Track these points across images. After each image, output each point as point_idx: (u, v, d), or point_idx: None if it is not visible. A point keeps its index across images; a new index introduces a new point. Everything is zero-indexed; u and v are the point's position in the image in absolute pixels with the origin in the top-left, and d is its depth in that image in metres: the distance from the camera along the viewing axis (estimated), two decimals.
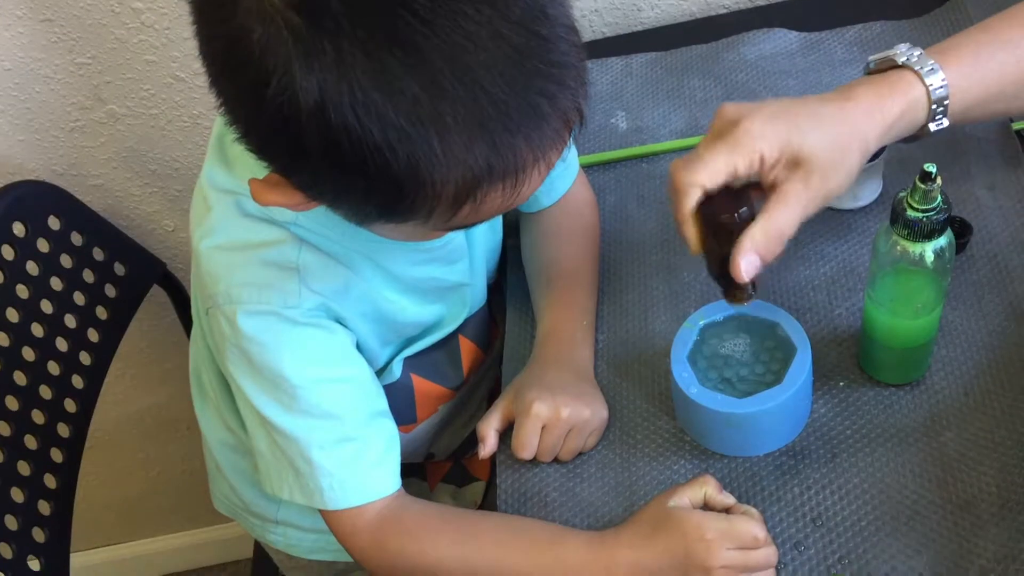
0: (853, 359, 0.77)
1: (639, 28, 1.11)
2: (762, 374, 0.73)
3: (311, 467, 0.71)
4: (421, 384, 0.84)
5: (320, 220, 0.70)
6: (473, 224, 0.61)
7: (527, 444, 0.74)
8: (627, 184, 0.95)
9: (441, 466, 0.98)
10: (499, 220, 0.87)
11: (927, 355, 0.74)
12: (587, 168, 0.95)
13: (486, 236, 0.85)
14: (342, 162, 0.52)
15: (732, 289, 0.66)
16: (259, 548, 1.13)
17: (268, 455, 0.74)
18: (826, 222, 0.85)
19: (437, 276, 0.80)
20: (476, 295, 0.86)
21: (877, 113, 0.69)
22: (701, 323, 0.75)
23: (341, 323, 0.73)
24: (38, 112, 1.09)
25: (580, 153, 0.94)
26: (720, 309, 0.75)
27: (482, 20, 0.51)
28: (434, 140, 0.52)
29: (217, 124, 0.73)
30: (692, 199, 0.65)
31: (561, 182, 0.87)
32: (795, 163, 0.65)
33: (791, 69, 1.00)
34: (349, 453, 0.72)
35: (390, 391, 0.80)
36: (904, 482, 0.70)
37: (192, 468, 1.50)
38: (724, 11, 1.11)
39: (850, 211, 0.86)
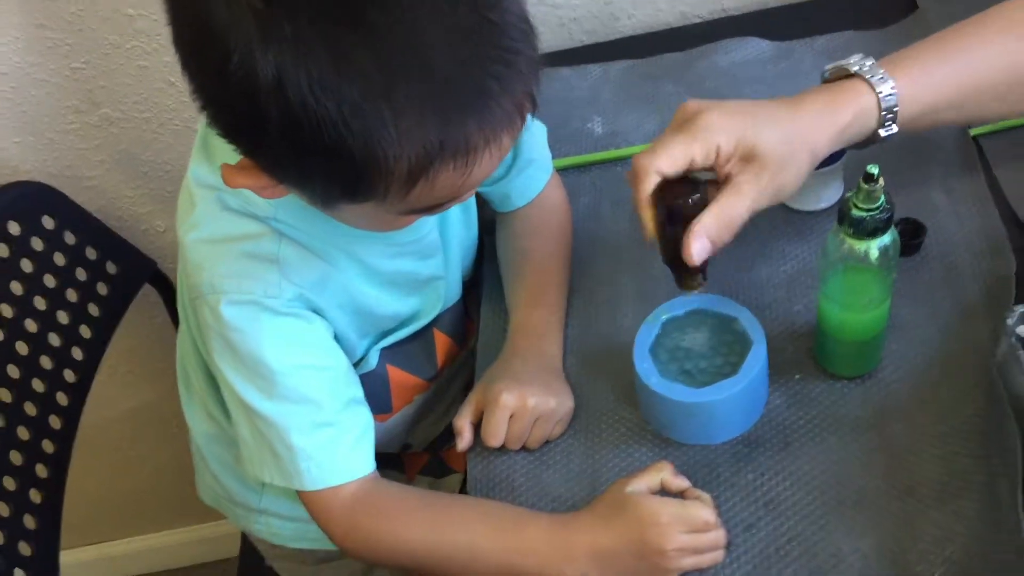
0: (809, 353, 0.80)
1: (617, 36, 1.15)
2: (720, 366, 0.77)
3: (290, 450, 0.75)
4: (396, 374, 0.88)
5: (299, 215, 0.74)
6: (429, 207, 0.64)
7: (495, 433, 0.77)
8: (601, 186, 0.98)
9: (419, 458, 1.01)
10: (474, 217, 0.91)
11: (877, 348, 0.77)
12: (563, 170, 0.98)
13: (461, 233, 0.89)
14: (300, 139, 0.56)
15: (684, 276, 0.70)
16: (246, 543, 1.17)
17: (250, 440, 0.77)
18: (789, 223, 0.89)
19: (411, 270, 0.83)
20: (450, 290, 0.89)
21: (828, 118, 0.73)
22: (663, 317, 0.78)
23: (319, 314, 0.77)
24: (34, 115, 1.13)
25: (556, 156, 0.98)
26: (681, 304, 0.78)
27: (436, 4, 0.55)
28: (387, 116, 0.55)
29: (201, 124, 0.76)
30: (650, 184, 0.69)
31: (535, 183, 0.90)
32: (749, 157, 0.69)
33: (762, 76, 1.04)
34: (326, 437, 0.75)
35: (366, 380, 0.83)
36: (852, 469, 0.73)
37: (181, 466, 1.52)
38: (699, 20, 1.15)
39: (812, 213, 0.89)
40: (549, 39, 1.13)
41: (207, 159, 0.74)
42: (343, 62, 0.54)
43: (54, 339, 1.06)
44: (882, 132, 0.75)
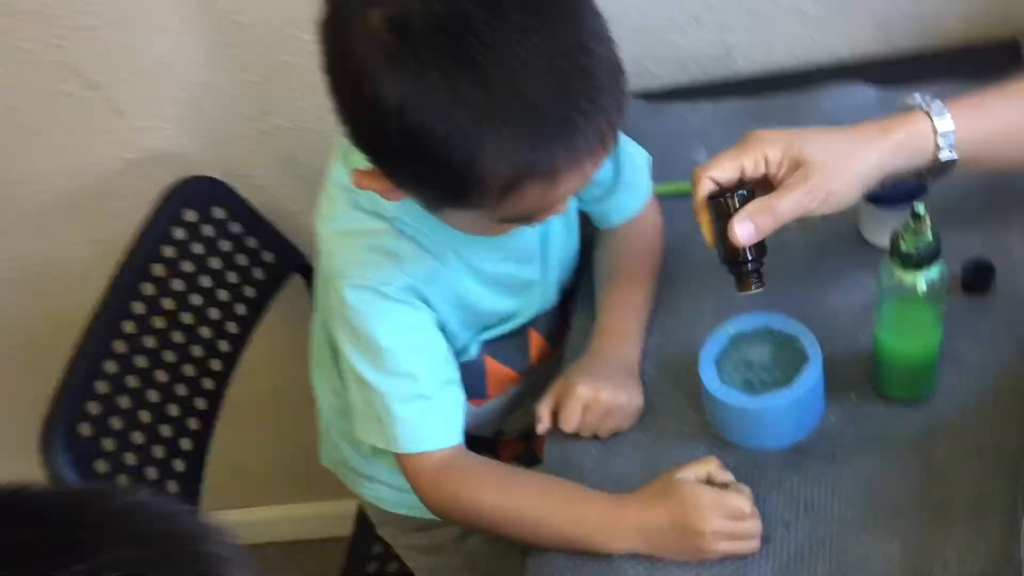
0: (867, 376, 0.86)
1: (731, 77, 1.23)
2: (779, 380, 0.84)
3: (391, 417, 0.87)
4: (493, 365, 0.99)
5: (417, 218, 0.86)
6: (520, 217, 0.76)
7: (569, 420, 0.87)
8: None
9: (512, 446, 1.12)
10: (576, 232, 1.01)
11: (930, 376, 0.83)
12: (664, 196, 1.07)
13: (561, 245, 0.99)
14: (414, 153, 0.69)
15: (741, 275, 0.78)
16: (359, 518, 1.30)
17: (360, 407, 0.90)
18: (865, 256, 0.95)
19: (511, 273, 0.94)
20: (547, 294, 1.00)
21: (879, 135, 0.80)
22: (731, 331, 0.87)
23: (427, 303, 0.89)
24: (215, 120, 1.31)
25: (660, 181, 1.07)
26: (749, 321, 0.86)
27: (534, 49, 0.67)
28: (487, 140, 0.67)
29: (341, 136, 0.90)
30: (703, 188, 0.78)
31: (631, 205, 1.00)
32: (796, 164, 0.77)
33: (863, 121, 1.10)
34: (421, 408, 0.87)
35: (466, 367, 0.95)
36: (890, 484, 0.79)
37: (311, 443, 1.66)
38: (811, 65, 1.22)
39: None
40: (668, 75, 1.22)
41: (345, 164, 0.88)
42: (455, 94, 0.66)
43: (214, 313, 1.23)
44: (941, 156, 0.80)
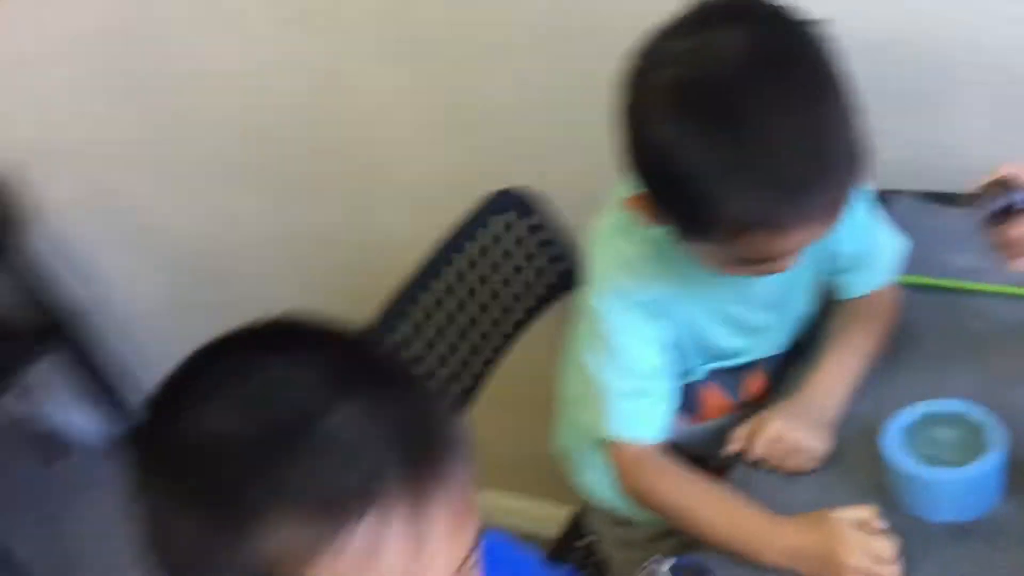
0: None
1: None
2: (959, 462, 0.91)
3: (608, 407, 1.03)
4: (713, 391, 1.12)
5: (670, 248, 1.02)
6: (748, 261, 0.89)
7: (757, 447, 0.99)
8: (934, 308, 1.13)
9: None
10: (814, 295, 1.12)
11: None
12: (908, 286, 1.15)
13: (801, 302, 1.11)
14: (669, 186, 0.87)
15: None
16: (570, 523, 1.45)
17: (587, 397, 1.07)
18: None
19: (745, 315, 1.07)
20: (778, 342, 1.12)
21: None
22: (925, 410, 0.94)
23: (662, 321, 1.04)
24: (536, 142, 1.53)
25: (911, 273, 1.14)
26: (945, 405, 0.94)
27: (789, 121, 0.83)
28: (728, 187, 0.83)
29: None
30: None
31: (871, 282, 1.10)
32: None
33: None
34: (635, 403, 1.02)
35: (688, 388, 1.10)
36: None
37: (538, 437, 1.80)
38: None
39: None
40: (938, 181, 1.28)
41: (624, 188, 1.06)
42: (708, 144, 0.83)
43: (495, 311, 1.43)
44: None
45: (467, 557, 0.61)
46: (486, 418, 1.81)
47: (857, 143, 0.86)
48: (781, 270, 0.94)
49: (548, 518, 1.61)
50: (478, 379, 1.39)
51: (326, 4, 1.58)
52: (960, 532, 0.90)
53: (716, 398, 1.13)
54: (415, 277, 1.33)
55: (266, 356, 0.59)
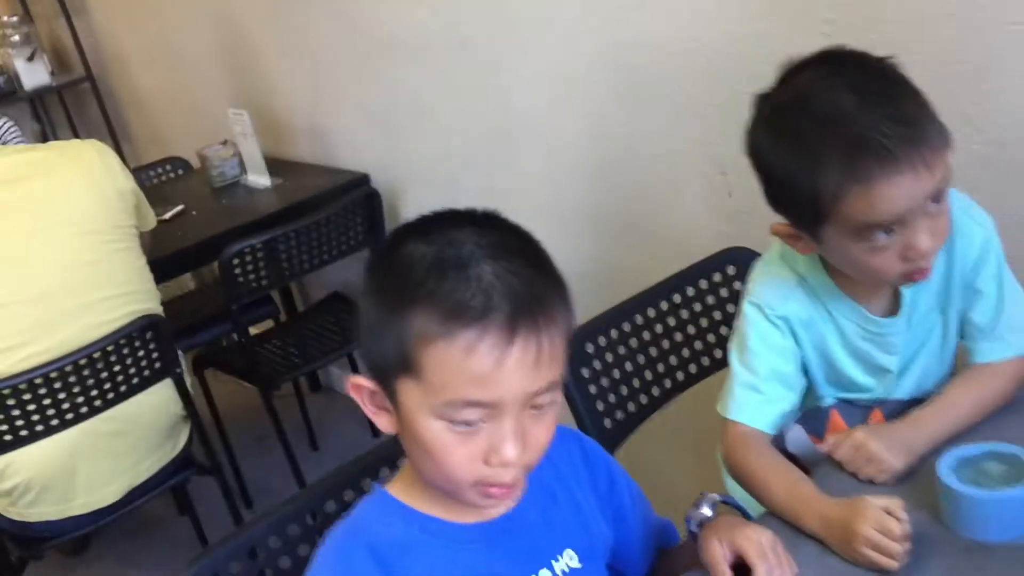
0: None
1: None
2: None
3: (731, 391, 1.27)
4: (836, 418, 1.32)
5: (817, 275, 1.25)
6: (864, 227, 1.10)
7: (839, 448, 1.18)
8: None
9: None
10: (949, 355, 1.29)
11: None
12: None
13: (931, 358, 1.29)
14: (779, 193, 1.15)
15: None
16: None
17: (726, 382, 1.31)
18: None
19: (871, 353, 1.27)
20: (900, 389, 1.29)
21: None
22: (980, 448, 1.10)
23: (795, 339, 1.26)
24: None
25: None
26: (997, 446, 1.09)
27: (875, 105, 1.06)
28: (810, 158, 1.09)
29: None
30: None
31: (996, 354, 1.24)
32: None
33: None
34: (749, 396, 1.26)
35: (819, 411, 1.31)
36: None
37: None
38: None
39: None
40: None
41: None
42: (782, 129, 1.12)
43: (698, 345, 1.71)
44: None
45: (539, 391, 0.93)
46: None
47: (940, 123, 1.07)
48: (919, 272, 1.13)
49: None
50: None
51: None
52: (996, 551, 1.04)
53: (840, 425, 1.32)
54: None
55: (447, 225, 0.96)
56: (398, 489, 1.06)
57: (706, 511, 1.11)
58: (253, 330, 2.85)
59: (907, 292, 1.24)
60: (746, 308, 1.29)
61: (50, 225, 2.01)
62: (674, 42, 1.83)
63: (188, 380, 2.29)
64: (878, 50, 1.14)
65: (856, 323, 1.26)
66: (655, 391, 1.65)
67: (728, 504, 1.13)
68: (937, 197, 1.10)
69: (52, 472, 2.05)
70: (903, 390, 1.30)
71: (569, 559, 1.08)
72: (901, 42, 1.31)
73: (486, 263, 0.92)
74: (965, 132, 1.44)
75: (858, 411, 1.32)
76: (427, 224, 0.98)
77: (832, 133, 1.07)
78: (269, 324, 3.14)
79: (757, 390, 1.26)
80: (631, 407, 1.62)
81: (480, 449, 0.94)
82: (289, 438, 2.79)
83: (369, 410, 1.01)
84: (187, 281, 3.59)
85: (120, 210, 2.11)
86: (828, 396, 1.33)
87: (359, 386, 1.00)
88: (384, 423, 1.00)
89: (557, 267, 0.98)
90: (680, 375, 1.67)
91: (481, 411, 0.92)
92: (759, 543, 1.03)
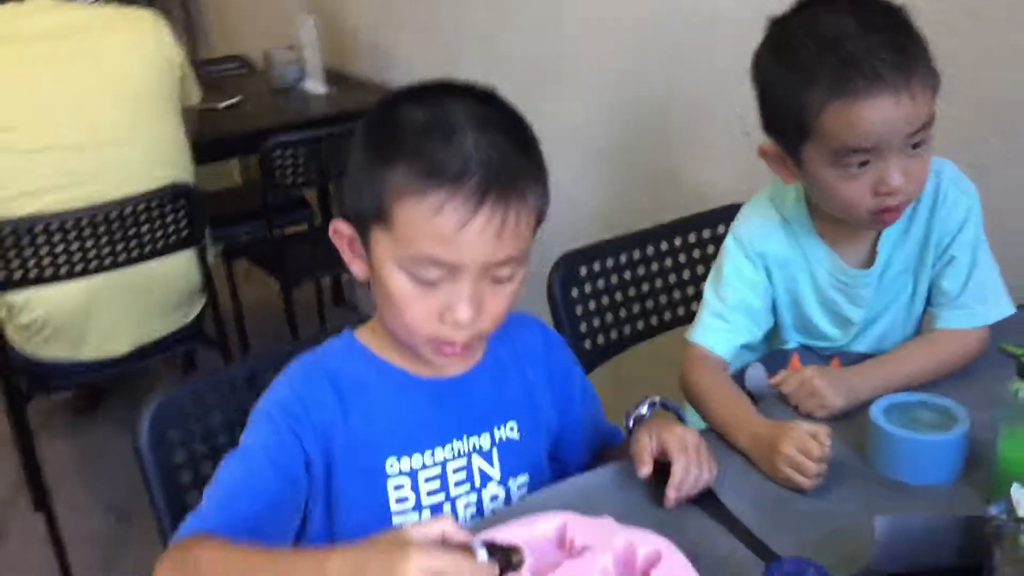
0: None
1: None
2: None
3: (699, 316, 1.33)
4: (796, 360, 1.35)
5: (799, 216, 1.29)
6: (843, 148, 1.14)
7: (787, 381, 1.24)
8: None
9: None
10: (913, 320, 1.33)
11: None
12: (1005, 352, 1.30)
13: (894, 318, 1.33)
14: (768, 107, 1.20)
15: None
16: None
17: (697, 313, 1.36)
18: None
19: (838, 303, 1.31)
20: (864, 343, 1.34)
21: None
22: (914, 397, 1.15)
23: (768, 275, 1.31)
24: None
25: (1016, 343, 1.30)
26: (931, 398, 1.15)
27: (867, 31, 1.11)
28: (800, 71, 1.14)
29: None
30: None
31: (958, 323, 1.28)
32: None
33: None
34: (716, 323, 1.31)
35: (781, 352, 1.36)
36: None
37: None
38: None
39: None
40: None
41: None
42: (777, 45, 1.18)
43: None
44: None
45: (500, 261, 1.00)
46: None
47: (923, 45, 1.12)
48: (887, 211, 1.17)
49: None
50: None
51: None
52: (913, 492, 1.08)
53: (797, 368, 1.36)
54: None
55: (444, 93, 1.04)
56: (364, 334, 1.13)
57: (643, 410, 1.17)
58: (287, 231, 2.95)
59: (883, 248, 1.28)
60: (728, 241, 1.33)
61: (98, 81, 2.11)
62: (731, 11, 1.87)
63: (211, 258, 2.38)
64: None
65: (829, 271, 1.30)
66: (639, 326, 1.70)
67: (667, 408, 1.19)
68: (916, 141, 1.14)
69: (68, 314, 2.16)
70: (864, 344, 1.34)
71: (510, 429, 1.14)
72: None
73: (471, 132, 0.98)
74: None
75: (818, 358, 1.36)
76: (425, 90, 1.04)
77: (829, 51, 1.12)
78: (304, 228, 3.23)
79: (723, 318, 1.31)
80: (612, 336, 1.67)
81: (437, 306, 1.00)
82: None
83: (347, 255, 1.08)
84: (235, 176, 3.70)
85: (168, 79, 2.21)
86: (792, 341, 1.37)
87: (340, 232, 1.07)
88: (357, 269, 1.07)
89: (541, 154, 1.04)
90: (667, 316, 1.73)
91: (442, 271, 0.98)
92: (683, 439, 1.08)
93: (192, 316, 2.36)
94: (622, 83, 2.18)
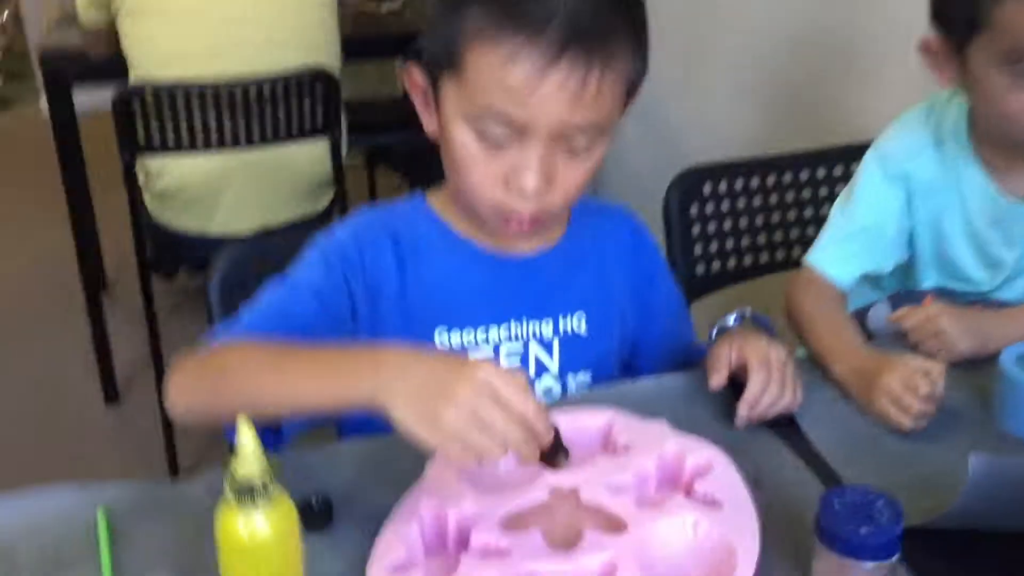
0: None
1: None
2: None
3: (821, 238, 1.19)
4: (929, 303, 1.17)
5: (958, 137, 1.11)
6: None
7: (913, 316, 1.08)
8: None
9: None
10: None
11: None
12: None
13: None
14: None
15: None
16: None
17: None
18: None
19: (992, 244, 1.13)
20: (1012, 288, 1.15)
21: None
22: None
23: (909, 197, 1.13)
24: None
25: None
26: None
27: None
28: None
29: None
30: None
31: None
32: None
33: None
34: (839, 248, 1.17)
35: (914, 293, 1.19)
36: None
37: None
38: None
39: None
40: None
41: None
42: None
43: None
44: None
45: (576, 127, 0.88)
46: None
47: None
48: None
49: None
50: None
51: None
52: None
53: None
54: None
55: None
56: (436, 199, 1.04)
57: (729, 321, 1.03)
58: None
59: None
60: (867, 156, 1.17)
61: None
62: None
63: (346, 156, 2.36)
64: None
65: (984, 201, 1.11)
66: (762, 258, 1.55)
67: (757, 322, 1.05)
68: None
69: (199, 186, 2.18)
70: (1013, 291, 1.15)
71: (577, 322, 1.03)
72: None
73: None
74: None
75: (955, 304, 1.17)
76: None
77: None
78: None
79: (847, 240, 1.16)
80: (729, 264, 1.52)
81: (503, 170, 0.90)
82: None
83: (419, 105, 0.99)
84: (397, 85, 3.69)
85: None
86: (928, 280, 1.19)
87: (414, 80, 0.97)
88: (427, 123, 0.98)
89: (644, 14, 0.91)
90: (796, 252, 1.55)
91: (510, 130, 0.87)
92: (766, 353, 0.94)
93: (320, 207, 2.35)
94: (777, 16, 2.00)
